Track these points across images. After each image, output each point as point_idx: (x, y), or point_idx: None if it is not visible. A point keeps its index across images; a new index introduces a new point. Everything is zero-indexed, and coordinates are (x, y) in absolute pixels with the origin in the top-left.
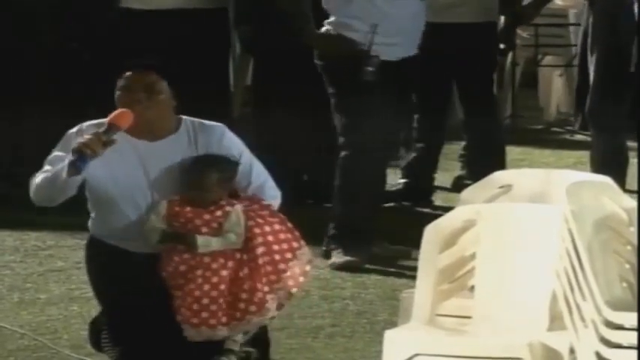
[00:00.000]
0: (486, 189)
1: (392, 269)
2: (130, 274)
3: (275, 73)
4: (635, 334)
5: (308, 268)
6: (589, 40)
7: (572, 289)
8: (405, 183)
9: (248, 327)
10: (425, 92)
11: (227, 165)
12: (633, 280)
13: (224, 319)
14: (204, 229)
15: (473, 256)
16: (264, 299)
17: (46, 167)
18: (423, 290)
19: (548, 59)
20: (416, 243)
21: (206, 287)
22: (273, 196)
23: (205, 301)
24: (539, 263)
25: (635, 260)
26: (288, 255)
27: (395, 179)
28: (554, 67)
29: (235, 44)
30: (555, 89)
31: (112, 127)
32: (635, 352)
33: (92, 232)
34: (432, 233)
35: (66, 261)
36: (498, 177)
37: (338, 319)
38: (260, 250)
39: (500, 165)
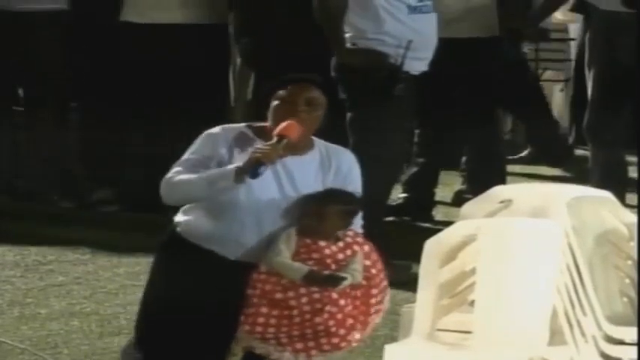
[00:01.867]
0: (487, 204)
1: (392, 284)
2: (212, 277)
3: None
4: (635, 349)
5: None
6: (586, 54)
7: (572, 304)
8: (405, 197)
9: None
10: (426, 107)
11: (352, 200)
12: (634, 295)
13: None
14: (333, 267)
15: (473, 271)
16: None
17: (180, 168)
18: (423, 305)
19: (548, 74)
20: (416, 257)
21: (331, 323)
22: (360, 225)
23: (333, 329)
24: (539, 278)
25: (635, 275)
26: (380, 297)
27: (395, 194)
28: (555, 81)
29: (236, 59)
30: (556, 104)
31: (282, 138)
32: None
33: (182, 230)
34: (433, 248)
35: (66, 276)
36: (499, 192)
37: None
38: (375, 290)
39: (501, 180)
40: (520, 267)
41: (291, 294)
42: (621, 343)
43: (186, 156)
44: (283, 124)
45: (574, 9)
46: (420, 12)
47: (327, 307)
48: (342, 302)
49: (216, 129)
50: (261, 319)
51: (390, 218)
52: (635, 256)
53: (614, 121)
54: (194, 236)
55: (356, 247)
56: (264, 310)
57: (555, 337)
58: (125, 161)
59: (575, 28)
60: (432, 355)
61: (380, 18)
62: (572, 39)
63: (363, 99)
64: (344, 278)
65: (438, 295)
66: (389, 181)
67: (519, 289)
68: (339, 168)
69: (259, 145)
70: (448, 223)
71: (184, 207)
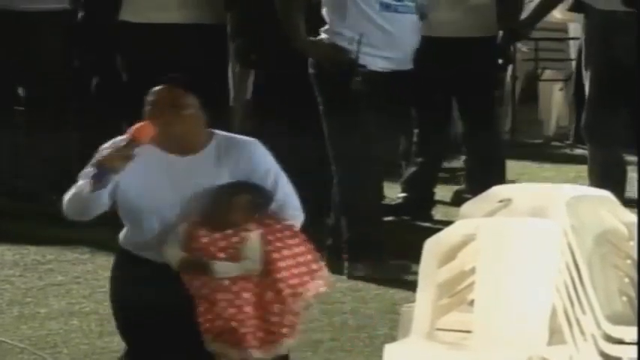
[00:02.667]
0: (486, 203)
1: (391, 283)
2: (154, 284)
3: (274, 86)
4: (634, 348)
5: (323, 289)
6: (583, 54)
7: (572, 304)
8: (404, 197)
9: (281, 350)
10: (424, 107)
11: (260, 193)
12: (633, 294)
13: (256, 343)
14: (220, 255)
15: (472, 271)
16: (295, 321)
17: (79, 182)
18: (422, 304)
19: (548, 73)
20: (415, 257)
21: (231, 310)
22: (295, 215)
23: (234, 324)
24: (538, 277)
25: (634, 274)
26: (306, 278)
27: (395, 193)
28: (554, 81)
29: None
30: (555, 103)
31: (132, 141)
32: None
33: (121, 242)
34: (432, 247)
35: (66, 275)
36: (498, 191)
37: (338, 333)
38: (280, 274)
39: (500, 179)
40: (519, 266)
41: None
42: (620, 342)
43: (85, 169)
44: (134, 127)
45: (572, 9)
46: (394, 11)
47: (219, 295)
48: (234, 288)
49: (108, 142)
50: (204, 317)
51: (390, 218)
52: (635, 256)
53: (611, 120)
54: (129, 247)
55: (244, 234)
56: (202, 307)
57: (555, 336)
58: None
59: (574, 27)
60: (432, 354)
61: (346, 12)
62: (572, 38)
63: (326, 95)
64: (210, 264)
65: (437, 294)
66: (366, 178)
67: (519, 288)
68: (238, 158)
69: (151, 147)
70: (447, 223)
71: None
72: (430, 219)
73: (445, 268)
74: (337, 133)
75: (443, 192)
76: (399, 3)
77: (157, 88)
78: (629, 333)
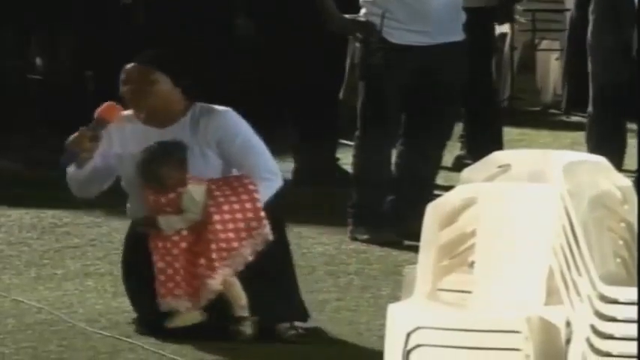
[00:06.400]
0: (486, 169)
1: (395, 245)
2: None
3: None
4: (629, 307)
5: (260, 248)
6: (590, 27)
7: (568, 265)
8: None
9: (207, 295)
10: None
11: (174, 151)
12: (627, 256)
13: (187, 290)
14: (168, 209)
15: (473, 233)
16: (215, 272)
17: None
18: (424, 266)
19: (545, 43)
20: None
21: (168, 258)
22: (266, 178)
23: (169, 271)
24: (536, 240)
25: (628, 237)
26: (243, 234)
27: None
28: (551, 50)
29: None
30: (552, 72)
31: (100, 122)
32: (629, 325)
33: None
34: (434, 211)
35: (81, 238)
36: (497, 157)
37: (343, 293)
38: (214, 227)
39: (499, 145)
40: (518, 229)
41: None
42: (615, 302)
43: None
44: (101, 107)
45: None
46: None
47: (160, 244)
48: (175, 238)
49: None
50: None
51: None
52: (629, 219)
53: (616, 90)
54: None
55: (180, 190)
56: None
57: (552, 296)
58: None
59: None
60: (434, 314)
61: None
62: (568, 9)
63: (359, 69)
64: (156, 220)
65: (438, 256)
66: (376, 150)
67: (517, 250)
68: (208, 125)
69: (137, 122)
70: (449, 188)
71: None
72: None
73: (446, 230)
74: (361, 103)
75: (444, 157)
76: None
77: (127, 67)
78: (623, 293)
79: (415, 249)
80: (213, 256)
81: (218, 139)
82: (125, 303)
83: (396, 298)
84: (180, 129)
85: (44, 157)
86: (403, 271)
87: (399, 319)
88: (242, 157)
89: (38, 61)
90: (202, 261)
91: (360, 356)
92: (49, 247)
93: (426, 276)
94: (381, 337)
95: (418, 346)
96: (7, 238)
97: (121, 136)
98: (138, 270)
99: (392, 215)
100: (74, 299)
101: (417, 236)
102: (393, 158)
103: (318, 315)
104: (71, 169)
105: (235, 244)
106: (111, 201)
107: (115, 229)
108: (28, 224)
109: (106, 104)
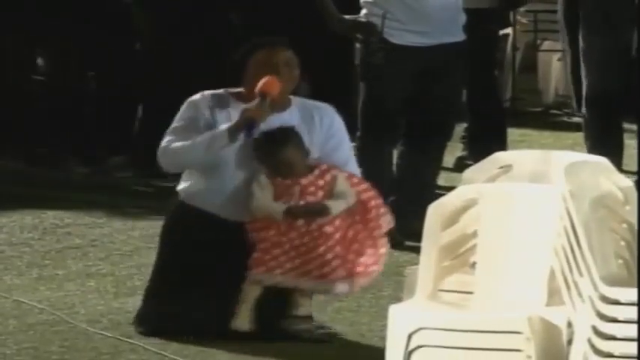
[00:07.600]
0: (487, 169)
1: (396, 246)
2: (217, 238)
3: None
4: (630, 308)
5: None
6: (583, 25)
7: (569, 266)
8: None
9: (366, 281)
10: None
11: (295, 136)
12: (628, 256)
13: (343, 274)
14: (320, 194)
15: (474, 234)
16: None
17: (172, 137)
18: (426, 267)
19: (547, 44)
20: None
21: (330, 243)
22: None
23: (328, 256)
24: (538, 241)
25: (630, 238)
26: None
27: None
28: (553, 51)
29: None
30: (554, 73)
31: (264, 96)
32: (630, 326)
33: (184, 197)
34: (435, 212)
35: (83, 238)
36: (499, 157)
37: None
38: (374, 213)
39: (501, 146)
40: (519, 230)
41: (289, 235)
42: (617, 303)
43: (174, 124)
44: (263, 81)
45: None
46: None
47: (321, 242)
48: (337, 236)
49: (196, 95)
50: (267, 261)
51: None
52: (630, 220)
53: (613, 89)
54: (196, 201)
55: (334, 172)
56: (268, 253)
57: (553, 297)
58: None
59: None
60: (435, 314)
61: None
62: None
63: (360, 69)
64: (326, 206)
65: (440, 257)
66: (378, 149)
67: (518, 251)
68: (321, 120)
69: (242, 106)
70: (450, 188)
71: (184, 176)
72: None
73: (448, 231)
74: (362, 103)
75: (446, 158)
76: None
77: (270, 49)
78: (624, 294)
79: (417, 250)
80: (379, 243)
81: (331, 133)
82: (127, 304)
83: (397, 299)
84: (289, 118)
85: (46, 156)
86: (405, 271)
87: (401, 320)
88: (340, 153)
89: (40, 61)
90: (369, 250)
91: (361, 357)
92: (50, 248)
93: (427, 277)
94: (383, 338)
95: (420, 346)
96: (8, 238)
97: (226, 117)
98: (186, 265)
99: (393, 216)
100: (76, 300)
101: (418, 237)
102: (394, 159)
103: (319, 316)
104: (202, 139)
105: (382, 223)
106: (112, 201)
107: (117, 230)
108: (29, 225)
109: (266, 78)
